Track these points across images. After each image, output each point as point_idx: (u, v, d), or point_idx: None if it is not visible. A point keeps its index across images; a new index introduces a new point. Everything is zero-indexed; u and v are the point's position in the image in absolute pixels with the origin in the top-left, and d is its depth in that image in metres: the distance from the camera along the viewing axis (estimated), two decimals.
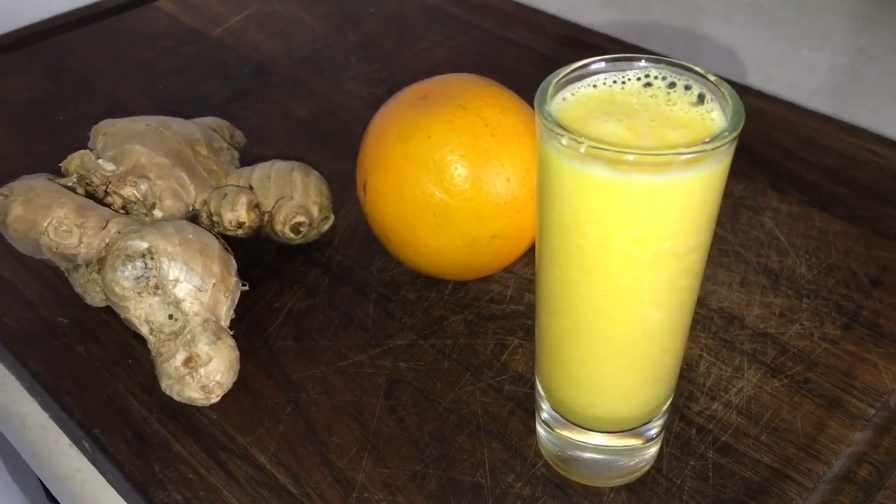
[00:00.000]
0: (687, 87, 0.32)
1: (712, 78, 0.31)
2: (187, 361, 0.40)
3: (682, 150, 0.28)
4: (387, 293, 0.48)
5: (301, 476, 0.39)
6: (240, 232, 0.46)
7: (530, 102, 0.32)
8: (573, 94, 0.32)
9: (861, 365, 0.43)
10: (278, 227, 0.47)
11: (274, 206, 0.47)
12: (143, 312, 0.41)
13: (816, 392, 0.42)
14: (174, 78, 0.67)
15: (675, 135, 0.30)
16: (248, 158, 0.52)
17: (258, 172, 0.48)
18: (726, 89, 0.30)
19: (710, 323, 0.45)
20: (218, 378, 0.41)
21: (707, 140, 0.28)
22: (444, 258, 0.44)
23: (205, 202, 0.46)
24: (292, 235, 0.48)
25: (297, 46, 0.71)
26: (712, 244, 0.49)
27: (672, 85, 0.32)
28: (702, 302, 0.46)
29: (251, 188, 0.48)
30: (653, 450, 0.38)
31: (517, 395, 0.42)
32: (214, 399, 0.41)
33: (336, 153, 0.58)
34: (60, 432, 0.45)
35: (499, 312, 0.46)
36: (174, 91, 0.66)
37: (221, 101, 0.64)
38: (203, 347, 0.40)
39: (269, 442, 0.41)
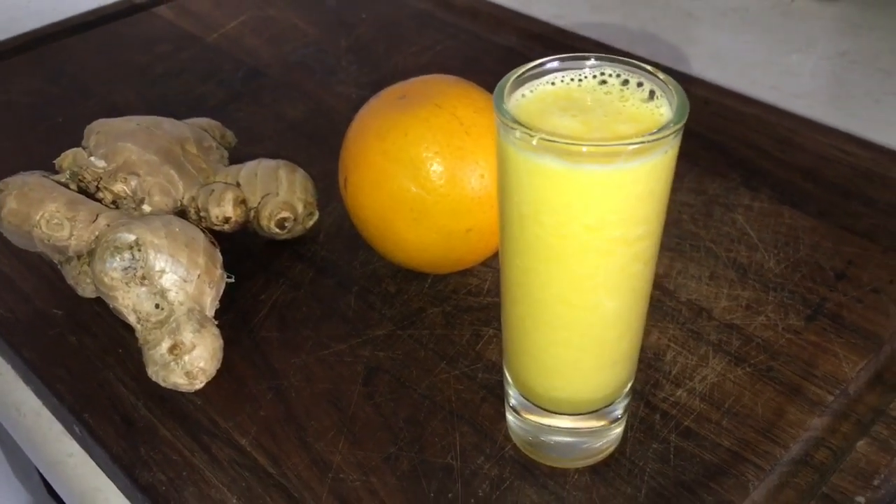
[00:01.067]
0: (639, 84, 0.33)
1: (661, 76, 0.33)
2: (172, 349, 0.42)
3: (627, 141, 0.30)
4: (368, 286, 0.50)
5: (280, 458, 0.41)
6: (226, 227, 0.48)
7: None
8: (532, 91, 0.34)
9: (822, 354, 0.45)
10: (264, 223, 0.49)
11: (260, 203, 0.49)
12: (130, 302, 0.43)
13: (778, 380, 0.43)
14: (170, 81, 0.69)
15: (626, 129, 0.31)
16: (239, 158, 0.54)
17: (245, 170, 0.50)
18: (673, 85, 0.32)
19: (678, 314, 0.47)
20: (202, 365, 0.43)
21: (652, 132, 0.30)
22: (421, 251, 0.46)
23: (193, 198, 0.48)
24: (277, 230, 0.50)
25: (290, 51, 0.73)
26: (684, 240, 0.51)
27: (625, 82, 0.34)
28: (671, 294, 0.48)
29: (238, 185, 0.50)
30: (618, 430, 0.40)
31: (490, 382, 0.44)
32: (199, 385, 0.43)
33: (325, 152, 0.60)
34: (53, 419, 0.47)
35: (476, 304, 0.48)
36: (170, 94, 0.68)
37: (216, 103, 0.66)
38: (187, 335, 0.42)
39: (249, 426, 0.42)
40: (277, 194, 0.49)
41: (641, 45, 0.74)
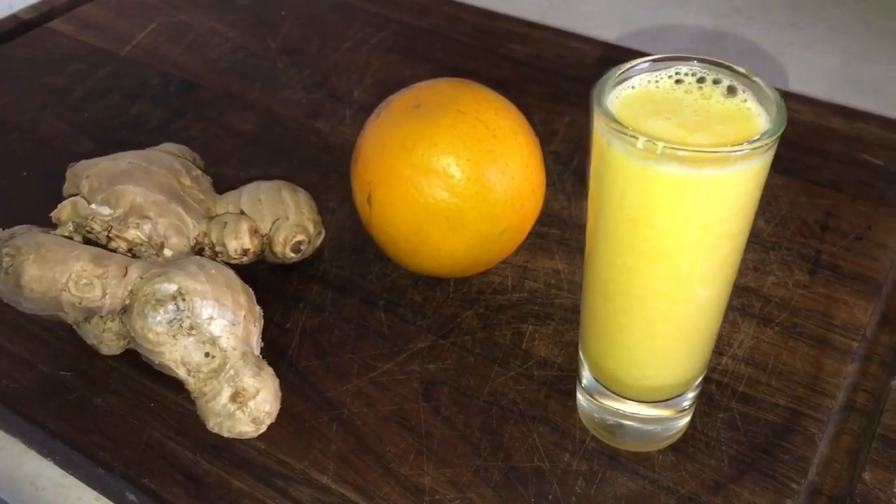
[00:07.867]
0: (716, 82, 0.35)
1: (742, 70, 0.34)
2: (234, 397, 0.40)
3: (745, 145, 0.31)
4: (393, 298, 0.49)
5: (368, 490, 0.40)
6: (245, 259, 0.46)
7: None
8: (617, 97, 0.34)
9: (835, 304, 0.48)
10: (278, 249, 0.47)
11: (271, 228, 0.47)
12: (178, 355, 0.40)
13: (805, 334, 0.47)
14: (97, 104, 0.64)
15: (722, 128, 0.33)
16: (213, 181, 0.51)
17: (246, 196, 0.48)
18: (760, 79, 0.33)
19: None
20: (267, 408, 0.41)
21: (764, 134, 0.31)
22: (455, 259, 0.46)
23: (204, 233, 0.45)
24: (293, 255, 0.48)
25: (217, 57, 0.69)
26: None
27: (701, 80, 0.35)
28: None
29: (243, 213, 0.47)
30: (685, 420, 0.42)
31: (548, 378, 0.45)
32: (263, 430, 0.41)
33: (296, 165, 0.58)
34: (83, 488, 0.43)
35: (506, 303, 0.49)
36: (101, 119, 0.63)
37: (158, 123, 0.62)
38: (248, 381, 0.40)
39: (326, 462, 0.41)
40: (287, 218, 0.48)
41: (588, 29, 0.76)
